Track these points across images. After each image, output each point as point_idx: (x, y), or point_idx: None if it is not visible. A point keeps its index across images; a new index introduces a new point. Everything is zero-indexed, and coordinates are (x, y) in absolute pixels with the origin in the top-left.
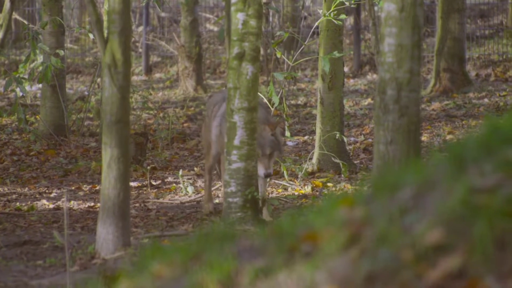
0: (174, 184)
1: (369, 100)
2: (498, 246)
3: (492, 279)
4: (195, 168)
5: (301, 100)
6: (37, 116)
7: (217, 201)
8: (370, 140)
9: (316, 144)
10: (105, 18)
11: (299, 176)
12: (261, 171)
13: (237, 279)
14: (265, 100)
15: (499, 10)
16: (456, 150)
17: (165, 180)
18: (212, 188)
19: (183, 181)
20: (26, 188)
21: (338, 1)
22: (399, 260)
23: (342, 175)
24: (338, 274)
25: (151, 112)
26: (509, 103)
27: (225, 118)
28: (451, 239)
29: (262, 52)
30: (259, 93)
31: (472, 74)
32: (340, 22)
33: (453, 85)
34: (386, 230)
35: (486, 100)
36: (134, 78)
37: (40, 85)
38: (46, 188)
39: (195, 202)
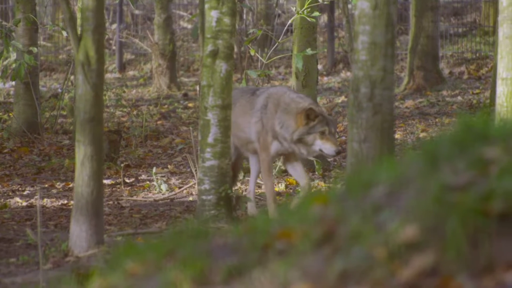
0: (148, 182)
1: (342, 98)
2: (470, 244)
3: (465, 277)
4: (169, 166)
5: None
6: (10, 114)
7: (190, 199)
8: (344, 138)
9: None
10: (78, 15)
11: (273, 173)
12: (331, 149)
13: (210, 276)
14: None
15: (473, 8)
16: (430, 148)
17: (139, 178)
18: (186, 186)
19: (157, 178)
20: None
21: None
22: (372, 257)
23: (316, 173)
24: (311, 272)
25: (125, 109)
26: (482, 101)
27: (265, 113)
28: (424, 236)
29: (236, 49)
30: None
31: (446, 72)
32: (314, 20)
33: (427, 83)
34: (360, 228)
35: (459, 98)
36: (108, 75)
37: (13, 83)
38: (19, 186)
39: (168, 200)
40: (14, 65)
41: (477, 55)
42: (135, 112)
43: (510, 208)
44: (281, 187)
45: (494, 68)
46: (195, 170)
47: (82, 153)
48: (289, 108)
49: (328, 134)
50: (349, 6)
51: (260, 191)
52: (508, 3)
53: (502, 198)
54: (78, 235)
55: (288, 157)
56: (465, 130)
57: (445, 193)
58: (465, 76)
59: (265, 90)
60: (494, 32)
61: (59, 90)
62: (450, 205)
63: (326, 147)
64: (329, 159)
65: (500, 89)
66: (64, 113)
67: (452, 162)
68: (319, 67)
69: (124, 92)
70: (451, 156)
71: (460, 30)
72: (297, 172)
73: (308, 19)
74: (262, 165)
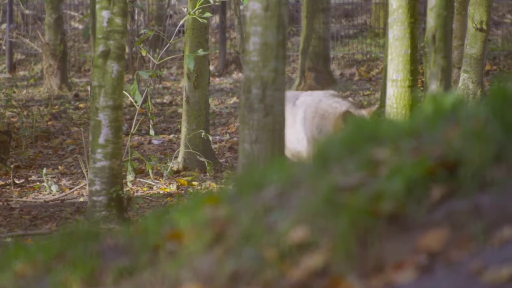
0: (38, 183)
1: (234, 99)
2: (360, 244)
3: (355, 277)
4: (60, 167)
5: (166, 98)
6: None
7: (81, 200)
8: (235, 138)
9: (182, 142)
10: None
11: (164, 174)
12: None
13: (101, 278)
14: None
15: (363, 10)
16: (320, 149)
17: (29, 179)
18: (77, 187)
19: (47, 179)
20: None
21: None
22: (263, 258)
23: (208, 174)
24: (202, 273)
25: (15, 110)
26: (373, 102)
27: (305, 124)
28: (315, 237)
29: (127, 50)
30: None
31: (337, 73)
32: (205, 21)
33: (318, 84)
34: (251, 229)
35: (350, 99)
36: None
37: None
38: None
39: (59, 201)
40: None
41: (368, 56)
42: (25, 113)
43: (399, 209)
44: (172, 188)
45: (384, 70)
46: (86, 171)
47: None
48: (326, 114)
49: None
50: (241, 7)
51: (151, 192)
52: (397, 6)
53: (391, 199)
54: None
55: None
56: (355, 131)
57: (335, 193)
58: (356, 78)
59: (303, 99)
60: (385, 34)
61: None
62: (340, 206)
63: None
64: None
65: (390, 90)
66: None
67: (342, 163)
68: (211, 68)
69: (14, 92)
70: (342, 157)
71: (351, 31)
72: None
73: (200, 20)
74: None
